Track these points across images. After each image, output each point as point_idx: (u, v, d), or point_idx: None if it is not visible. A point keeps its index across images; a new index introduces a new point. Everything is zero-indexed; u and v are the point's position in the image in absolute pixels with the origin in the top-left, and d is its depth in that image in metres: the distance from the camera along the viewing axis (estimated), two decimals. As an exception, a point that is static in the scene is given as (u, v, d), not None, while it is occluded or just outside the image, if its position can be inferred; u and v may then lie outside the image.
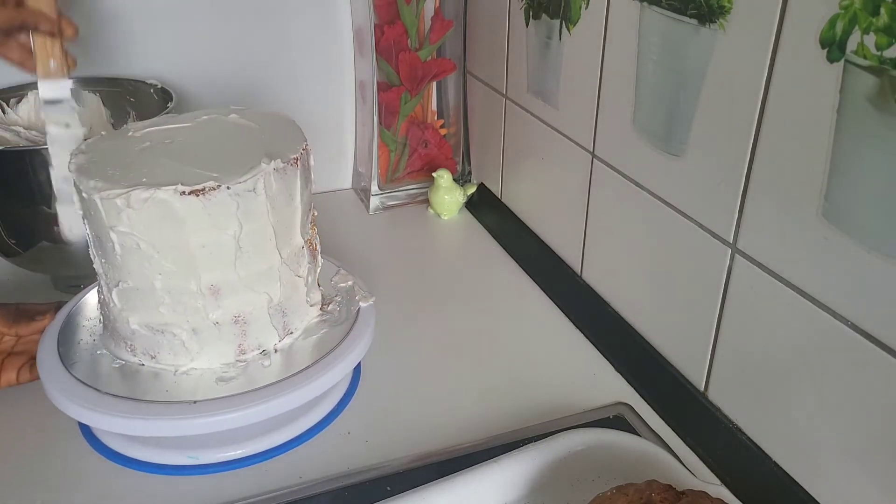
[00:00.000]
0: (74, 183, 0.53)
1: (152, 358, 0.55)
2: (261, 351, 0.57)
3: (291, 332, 0.58)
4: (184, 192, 0.50)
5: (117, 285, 0.53)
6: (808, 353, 0.47)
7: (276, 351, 0.57)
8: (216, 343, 0.55)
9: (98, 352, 0.57)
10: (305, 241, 0.58)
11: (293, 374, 0.55)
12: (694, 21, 0.52)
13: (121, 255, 0.52)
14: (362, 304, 0.62)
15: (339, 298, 0.63)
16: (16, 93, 0.80)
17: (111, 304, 0.55)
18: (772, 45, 0.46)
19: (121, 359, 0.56)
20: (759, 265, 0.50)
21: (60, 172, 0.64)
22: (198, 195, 0.50)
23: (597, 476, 0.51)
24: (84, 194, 0.52)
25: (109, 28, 0.84)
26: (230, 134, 0.59)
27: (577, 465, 0.51)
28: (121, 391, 0.53)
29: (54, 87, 0.63)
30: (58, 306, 0.63)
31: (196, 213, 0.50)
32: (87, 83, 0.82)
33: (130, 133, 0.58)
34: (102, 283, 0.56)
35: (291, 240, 0.56)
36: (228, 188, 0.51)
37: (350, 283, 0.65)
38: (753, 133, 0.49)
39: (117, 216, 0.50)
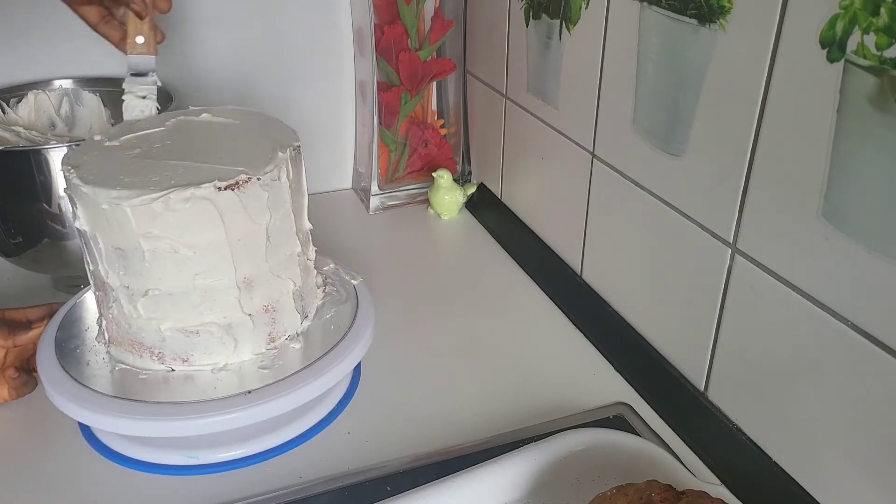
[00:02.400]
0: (80, 197, 0.51)
1: (184, 361, 0.55)
2: (286, 337, 0.58)
3: (307, 316, 0.60)
4: (220, 188, 0.50)
5: (145, 294, 0.52)
6: (808, 353, 0.47)
7: (298, 335, 0.58)
8: (250, 335, 0.56)
9: (98, 352, 0.57)
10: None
11: (290, 375, 0.55)
12: (694, 21, 0.52)
13: (150, 263, 0.51)
14: (353, 282, 0.65)
15: (329, 279, 0.65)
16: (16, 93, 0.80)
17: (133, 315, 0.53)
18: (772, 45, 0.46)
19: (145, 369, 0.55)
20: (759, 265, 0.50)
21: None
22: (233, 189, 0.51)
23: (597, 476, 0.51)
24: (104, 206, 0.50)
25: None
26: (217, 131, 0.59)
27: (577, 465, 0.51)
28: (120, 392, 0.53)
29: (140, 62, 0.66)
30: (51, 311, 0.62)
31: (233, 207, 0.51)
32: (87, 83, 0.82)
33: (107, 143, 0.57)
34: (120, 295, 0.53)
35: (303, 225, 0.59)
36: (259, 179, 0.52)
37: (332, 265, 0.67)
38: (753, 133, 0.49)
39: (152, 222, 0.50)
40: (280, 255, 0.55)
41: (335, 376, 0.56)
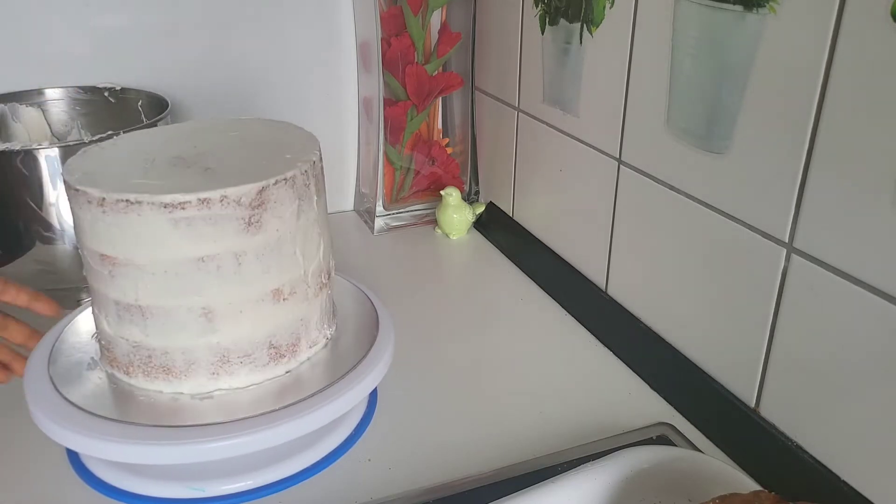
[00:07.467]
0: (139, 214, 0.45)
1: (290, 351, 0.52)
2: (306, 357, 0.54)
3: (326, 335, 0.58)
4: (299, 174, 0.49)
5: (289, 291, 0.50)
6: (883, 356, 0.43)
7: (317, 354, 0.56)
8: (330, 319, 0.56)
9: (93, 371, 0.52)
10: None
11: (307, 398, 0.49)
12: (739, 8, 0.49)
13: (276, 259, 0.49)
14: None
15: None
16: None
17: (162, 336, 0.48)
18: (833, 24, 0.43)
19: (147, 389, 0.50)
20: (821, 263, 0.46)
21: None
22: (300, 177, 0.50)
23: (663, 494, 0.45)
24: (257, 206, 0.46)
25: (112, 42, 0.81)
26: (240, 136, 0.55)
27: (640, 484, 0.45)
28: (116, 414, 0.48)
29: None
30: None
31: (315, 186, 0.52)
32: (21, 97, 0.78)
33: (107, 149, 0.53)
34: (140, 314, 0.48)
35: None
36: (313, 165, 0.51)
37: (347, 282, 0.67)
38: (812, 120, 0.45)
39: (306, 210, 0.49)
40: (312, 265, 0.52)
41: (356, 396, 0.51)
